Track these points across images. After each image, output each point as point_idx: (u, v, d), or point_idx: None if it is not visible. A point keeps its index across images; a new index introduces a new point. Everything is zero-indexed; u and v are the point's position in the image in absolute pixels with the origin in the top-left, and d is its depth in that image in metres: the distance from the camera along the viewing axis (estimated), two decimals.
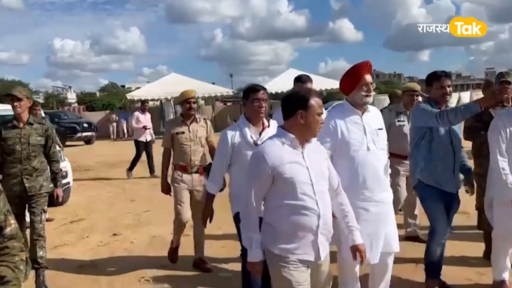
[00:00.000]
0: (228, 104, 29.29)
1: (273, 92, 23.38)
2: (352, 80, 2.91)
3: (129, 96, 22.74)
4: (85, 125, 19.88)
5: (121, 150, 16.24)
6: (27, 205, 3.77)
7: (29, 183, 3.70)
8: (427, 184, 3.33)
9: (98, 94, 68.98)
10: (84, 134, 19.69)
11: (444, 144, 3.28)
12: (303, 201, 2.16)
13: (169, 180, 4.12)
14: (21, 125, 3.70)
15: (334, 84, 23.73)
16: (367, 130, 2.90)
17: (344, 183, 2.56)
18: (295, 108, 2.22)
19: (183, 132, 3.99)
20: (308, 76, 3.90)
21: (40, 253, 3.65)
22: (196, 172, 3.98)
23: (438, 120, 3.11)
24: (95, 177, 9.89)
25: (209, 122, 4.24)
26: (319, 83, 23.36)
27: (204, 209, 3.21)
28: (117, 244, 5.07)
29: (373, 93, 2.92)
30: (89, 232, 5.57)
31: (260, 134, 2.95)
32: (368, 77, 2.90)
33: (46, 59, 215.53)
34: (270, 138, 2.32)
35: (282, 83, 23.99)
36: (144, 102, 10.52)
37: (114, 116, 23.66)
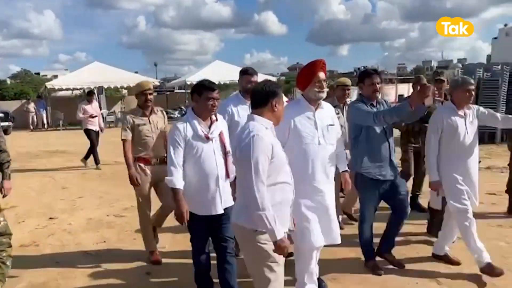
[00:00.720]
0: (154, 94, 29.11)
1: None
2: (306, 77, 3.09)
3: (49, 85, 21.79)
4: (1, 114, 18.86)
5: (43, 140, 15.81)
6: None
7: None
8: (365, 176, 3.59)
9: (9, 82, 64.03)
10: (1, 124, 18.64)
11: (380, 137, 3.56)
12: (285, 179, 2.42)
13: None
14: None
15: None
16: (319, 125, 3.09)
17: (295, 173, 2.69)
18: (270, 97, 2.43)
19: (144, 124, 3.98)
20: (253, 69, 3.98)
21: None
22: (160, 164, 3.93)
23: (375, 121, 3.37)
24: (21, 168, 9.78)
25: (165, 113, 4.25)
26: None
27: (176, 208, 3.04)
28: (55, 227, 5.37)
29: (326, 89, 3.13)
30: (24, 218, 5.77)
31: (209, 128, 3.03)
32: (321, 74, 3.08)
33: None
34: (252, 123, 2.40)
35: (208, 74, 24.44)
36: (90, 93, 10.33)
37: (32, 105, 22.60)
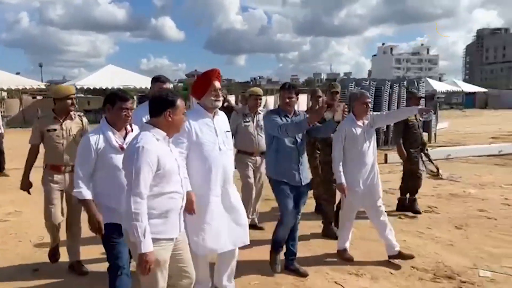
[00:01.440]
0: (38, 97, 27.19)
1: (91, 88, 22.87)
2: (203, 86, 3.18)
3: None
4: None
5: None
6: None
7: None
8: (278, 180, 3.77)
9: None
10: None
11: (289, 146, 3.72)
12: (174, 187, 2.46)
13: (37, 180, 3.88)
14: None
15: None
16: (218, 132, 3.20)
17: (199, 179, 2.96)
18: (165, 107, 2.45)
19: (55, 130, 3.77)
20: (166, 76, 3.94)
21: None
22: (70, 172, 3.66)
23: (279, 132, 3.59)
24: None
25: (85, 119, 4.01)
26: (141, 81, 23.79)
27: (89, 218, 2.91)
28: None
29: (221, 98, 3.25)
30: None
31: (124, 138, 2.94)
32: (217, 84, 3.19)
33: None
34: (143, 133, 2.43)
35: (100, 78, 23.62)
36: None
37: None
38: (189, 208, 2.85)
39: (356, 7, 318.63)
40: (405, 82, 13.56)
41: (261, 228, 5.04)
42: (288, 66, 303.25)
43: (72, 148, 3.67)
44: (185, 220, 2.74)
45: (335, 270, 3.97)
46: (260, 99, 5.19)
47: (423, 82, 14.47)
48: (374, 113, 4.28)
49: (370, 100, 4.15)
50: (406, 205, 5.90)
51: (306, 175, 3.86)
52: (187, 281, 2.64)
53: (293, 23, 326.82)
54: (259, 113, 5.08)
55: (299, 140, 3.79)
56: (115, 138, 2.90)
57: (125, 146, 2.83)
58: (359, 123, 4.08)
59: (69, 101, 3.80)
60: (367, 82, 13.23)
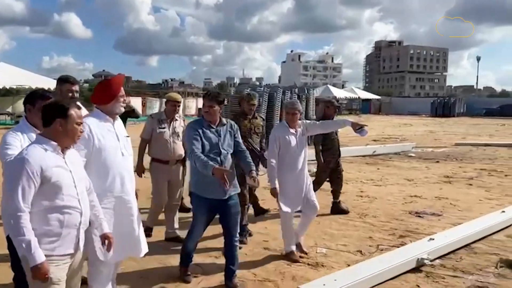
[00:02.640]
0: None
1: None
2: (110, 92, 3.01)
3: None
4: None
5: None
6: None
7: None
8: (197, 194, 3.65)
9: None
10: None
11: (212, 157, 3.51)
12: (69, 202, 2.33)
13: None
14: None
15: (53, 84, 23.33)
16: (119, 137, 3.06)
17: (103, 187, 2.83)
18: (55, 116, 2.32)
19: None
20: (75, 78, 3.74)
21: None
22: None
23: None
24: None
25: None
26: (39, 81, 22.57)
27: None
28: None
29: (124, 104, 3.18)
30: None
31: None
32: (123, 90, 3.11)
33: None
34: (31, 145, 2.33)
35: None
36: None
37: None
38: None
39: (268, 14, 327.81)
40: (296, 89, 14.74)
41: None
42: (202, 69, 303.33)
43: None
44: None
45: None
46: (179, 105, 4.98)
47: (313, 89, 15.85)
48: (307, 121, 4.65)
49: (297, 110, 4.36)
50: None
51: (232, 186, 3.60)
52: None
53: (206, 26, 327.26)
54: (176, 119, 4.92)
55: (223, 151, 3.62)
56: None
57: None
58: (292, 130, 4.34)
59: None
60: (262, 88, 14.16)
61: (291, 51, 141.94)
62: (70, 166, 2.38)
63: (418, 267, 4.19)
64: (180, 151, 4.90)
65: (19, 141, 2.76)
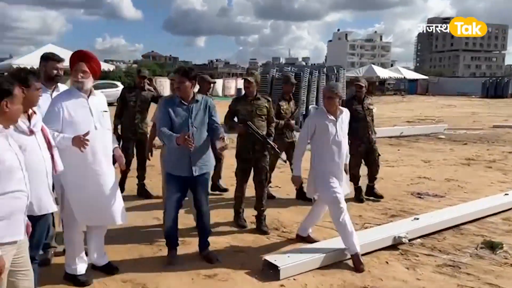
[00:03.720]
0: None
1: (30, 67, 22.57)
2: (70, 67, 3.23)
3: None
4: None
5: None
6: None
7: None
8: (168, 172, 3.80)
9: None
10: None
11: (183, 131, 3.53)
12: (19, 186, 2.26)
13: None
14: None
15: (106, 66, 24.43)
16: (94, 112, 3.25)
17: (76, 158, 3.00)
18: (1, 96, 2.24)
19: None
20: (59, 56, 3.73)
21: None
22: None
23: (157, 133, 3.71)
24: None
25: None
26: None
27: None
28: None
29: (81, 79, 3.21)
30: None
31: (29, 121, 2.68)
32: (82, 65, 3.21)
33: None
34: None
35: (36, 58, 23.29)
36: None
37: None
38: (78, 143, 2.98)
39: None
40: (325, 69, 14.57)
41: None
42: (248, 49, 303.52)
43: None
44: (64, 192, 3.16)
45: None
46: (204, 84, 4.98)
47: (343, 69, 15.55)
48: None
49: (333, 94, 3.89)
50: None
51: (201, 165, 3.70)
52: (28, 283, 2.48)
53: (254, 6, 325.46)
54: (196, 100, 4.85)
55: (192, 129, 3.61)
56: (22, 121, 2.60)
57: (34, 129, 2.65)
58: (330, 116, 3.94)
59: None
60: (289, 68, 14.17)
61: (338, 30, 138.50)
62: (14, 147, 2.32)
63: (395, 245, 4.25)
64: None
65: None
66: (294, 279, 3.54)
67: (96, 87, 13.24)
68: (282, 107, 5.70)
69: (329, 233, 4.62)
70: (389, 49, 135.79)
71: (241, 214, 4.81)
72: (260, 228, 4.63)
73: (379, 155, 6.11)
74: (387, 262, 3.94)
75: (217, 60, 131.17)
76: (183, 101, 3.68)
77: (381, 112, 20.92)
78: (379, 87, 41.15)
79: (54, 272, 3.53)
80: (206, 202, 3.91)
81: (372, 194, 6.04)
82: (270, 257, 3.74)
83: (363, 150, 5.87)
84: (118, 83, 23.69)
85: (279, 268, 3.53)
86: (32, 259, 2.73)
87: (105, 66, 29.12)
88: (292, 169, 4.58)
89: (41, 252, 3.58)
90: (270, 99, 4.72)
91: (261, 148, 4.52)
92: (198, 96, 3.79)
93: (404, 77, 44.44)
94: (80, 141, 3.00)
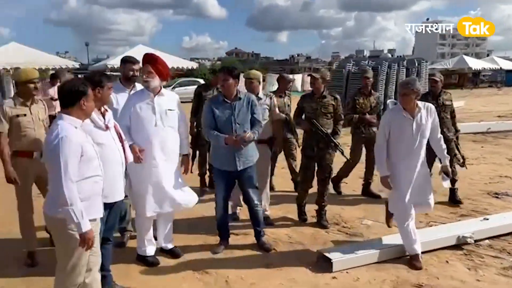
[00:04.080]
0: (80, 76, 29.11)
1: (116, 68, 24.52)
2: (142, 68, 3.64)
3: None
4: None
5: None
6: None
7: None
8: (214, 167, 4.06)
9: None
10: None
11: (224, 132, 3.78)
12: (97, 172, 2.64)
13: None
14: None
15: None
16: (157, 110, 3.56)
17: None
18: (79, 96, 2.59)
19: (25, 115, 3.69)
20: (135, 58, 4.06)
21: None
22: (42, 157, 3.39)
23: (204, 132, 3.95)
24: None
25: (45, 104, 4.01)
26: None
27: None
28: None
29: (148, 79, 3.54)
30: None
31: (104, 117, 3.04)
32: (149, 66, 3.54)
33: None
34: (61, 124, 2.52)
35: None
36: (54, 75, 9.91)
37: None
38: (135, 158, 3.38)
39: None
40: (405, 62, 14.00)
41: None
42: (331, 43, 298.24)
43: (40, 132, 3.73)
44: (130, 184, 3.53)
45: None
46: (252, 82, 4.67)
47: (426, 62, 14.81)
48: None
49: (409, 90, 3.62)
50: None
51: (245, 160, 3.90)
52: (95, 259, 2.78)
53: None
54: (259, 97, 4.66)
55: (235, 126, 3.80)
56: (98, 117, 2.97)
57: (108, 125, 3.01)
58: (407, 115, 3.69)
59: (31, 85, 3.73)
60: (366, 62, 13.84)
61: (427, 19, 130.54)
62: (89, 139, 2.67)
63: (459, 245, 4.11)
64: (265, 130, 4.49)
65: None
66: (346, 272, 3.61)
67: (181, 84, 14.19)
68: (357, 102, 5.70)
69: (391, 230, 4.56)
70: (485, 38, 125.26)
71: (303, 208, 4.91)
72: (320, 222, 4.72)
73: (455, 155, 5.60)
74: (447, 262, 3.83)
75: (298, 55, 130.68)
76: (226, 99, 3.85)
77: (470, 106, 19.59)
78: (472, 79, 38.31)
79: (129, 253, 3.97)
80: (255, 194, 4.05)
81: (450, 197, 5.59)
82: (325, 250, 3.84)
83: None
84: (201, 80, 24.73)
85: (332, 261, 3.63)
86: (107, 240, 3.18)
87: (189, 64, 30.70)
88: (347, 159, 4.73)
89: (118, 235, 4.11)
90: (337, 97, 4.67)
91: (325, 146, 4.53)
92: (241, 94, 3.93)
93: (501, 67, 40.92)
94: (135, 155, 3.44)
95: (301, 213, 4.89)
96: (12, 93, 20.31)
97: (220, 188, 4.03)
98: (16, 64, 21.14)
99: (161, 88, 3.68)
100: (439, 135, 3.83)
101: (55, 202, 2.47)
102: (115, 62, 24.54)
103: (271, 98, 4.78)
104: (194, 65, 30.35)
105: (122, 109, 3.69)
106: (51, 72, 17.00)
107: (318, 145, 4.55)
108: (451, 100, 5.54)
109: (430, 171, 4.86)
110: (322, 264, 3.73)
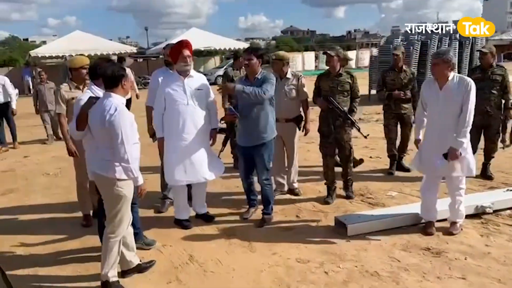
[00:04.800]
0: (139, 60, 30.35)
1: None
2: (175, 54, 4.03)
3: (33, 52, 23.43)
4: None
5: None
6: None
7: None
8: (238, 143, 4.39)
9: None
10: None
11: (245, 109, 4.09)
12: (137, 139, 3.17)
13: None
14: None
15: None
16: (187, 91, 4.02)
17: (170, 128, 3.97)
18: (121, 79, 3.09)
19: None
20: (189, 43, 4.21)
21: None
22: None
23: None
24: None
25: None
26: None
27: None
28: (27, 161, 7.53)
29: (190, 63, 4.00)
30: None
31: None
32: (186, 51, 3.96)
33: None
34: (113, 100, 3.04)
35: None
36: (121, 59, 9.93)
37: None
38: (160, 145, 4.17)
39: None
40: (457, 35, 13.42)
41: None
42: (391, 16, 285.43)
43: None
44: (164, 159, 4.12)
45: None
46: (279, 63, 4.85)
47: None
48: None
49: (440, 60, 3.69)
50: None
51: (255, 137, 4.14)
52: (131, 215, 3.31)
53: None
54: (287, 77, 4.91)
55: (258, 108, 4.08)
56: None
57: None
58: (436, 85, 3.80)
59: (84, 71, 4.19)
60: (415, 37, 13.46)
61: None
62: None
63: (479, 214, 4.24)
64: (290, 109, 4.92)
65: None
66: (360, 237, 3.90)
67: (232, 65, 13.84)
68: (387, 78, 5.79)
69: (413, 200, 4.75)
70: None
71: (330, 185, 4.96)
72: (346, 193, 4.99)
73: (497, 133, 5.45)
74: (461, 229, 4.00)
75: (355, 31, 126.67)
76: (247, 79, 4.19)
77: None
78: None
79: (168, 218, 4.52)
80: (262, 173, 4.27)
81: (482, 172, 5.59)
82: (342, 217, 4.15)
83: (478, 123, 5.04)
84: None
85: (346, 226, 3.93)
86: (133, 204, 3.52)
87: (242, 45, 31.11)
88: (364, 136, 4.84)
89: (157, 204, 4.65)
90: (353, 74, 4.80)
91: (341, 123, 4.69)
92: (260, 74, 4.15)
93: None
94: (161, 144, 4.14)
95: (329, 190, 4.98)
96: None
97: (240, 160, 4.44)
98: (80, 51, 22.59)
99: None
100: (467, 111, 3.68)
101: (112, 163, 3.01)
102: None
103: (298, 79, 4.94)
104: (245, 45, 30.77)
105: (157, 93, 4.16)
106: (112, 57, 18.20)
107: (335, 123, 4.70)
108: (504, 75, 5.33)
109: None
110: (338, 229, 4.04)
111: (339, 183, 5.09)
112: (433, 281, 3.16)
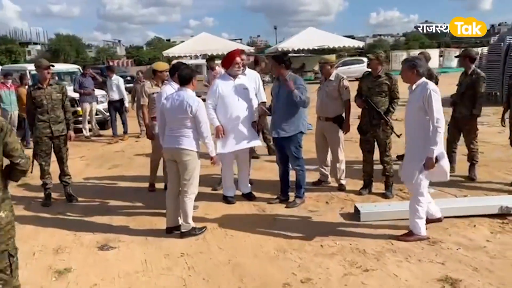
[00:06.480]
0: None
1: (291, 50, 26.43)
2: (228, 61, 5.03)
3: (165, 53, 26.57)
4: (128, 78, 21.73)
5: None
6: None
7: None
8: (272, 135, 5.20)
9: (145, 48, 73.75)
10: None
11: (275, 107, 4.94)
12: None
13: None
14: (44, 85, 5.29)
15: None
16: (237, 89, 4.96)
17: (223, 117, 4.90)
18: (192, 78, 4.15)
19: (157, 93, 5.09)
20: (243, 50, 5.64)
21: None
22: None
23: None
24: None
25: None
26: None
27: None
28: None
29: (242, 68, 5.07)
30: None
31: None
32: (238, 59, 4.97)
33: (96, 12, 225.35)
34: (189, 93, 4.10)
35: (301, 40, 27.11)
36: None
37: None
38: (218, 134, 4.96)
39: None
40: None
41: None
42: None
43: None
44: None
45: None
46: (324, 66, 5.39)
47: None
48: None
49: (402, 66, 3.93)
50: None
51: (279, 129, 4.85)
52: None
53: None
54: (330, 79, 5.39)
55: (283, 102, 4.81)
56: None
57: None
58: (409, 88, 3.96)
59: (165, 73, 5.40)
60: None
61: None
62: None
63: (504, 214, 4.32)
64: (332, 110, 5.41)
65: None
66: (371, 223, 4.33)
67: (345, 63, 16.09)
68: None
69: (442, 195, 4.93)
70: None
71: (366, 179, 5.32)
72: (385, 192, 5.18)
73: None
74: (474, 226, 4.15)
75: (499, 24, 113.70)
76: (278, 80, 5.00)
77: None
78: None
79: (219, 194, 5.46)
80: (292, 161, 4.97)
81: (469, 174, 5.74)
82: (359, 204, 4.60)
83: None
84: (364, 59, 24.93)
85: (360, 212, 4.39)
86: None
87: (357, 43, 30.91)
88: (397, 135, 5.01)
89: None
90: (392, 76, 5.05)
91: (377, 122, 5.01)
92: (288, 76, 4.80)
93: None
94: (218, 132, 4.92)
95: (365, 182, 5.33)
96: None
97: (276, 150, 5.23)
98: (203, 51, 25.15)
99: None
100: (432, 119, 3.68)
101: (192, 140, 4.09)
102: (286, 45, 26.68)
103: (340, 81, 5.32)
104: (360, 43, 30.53)
105: (212, 91, 5.02)
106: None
107: (372, 122, 5.06)
108: None
109: None
110: (355, 215, 4.51)
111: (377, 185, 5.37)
112: (412, 263, 3.53)
